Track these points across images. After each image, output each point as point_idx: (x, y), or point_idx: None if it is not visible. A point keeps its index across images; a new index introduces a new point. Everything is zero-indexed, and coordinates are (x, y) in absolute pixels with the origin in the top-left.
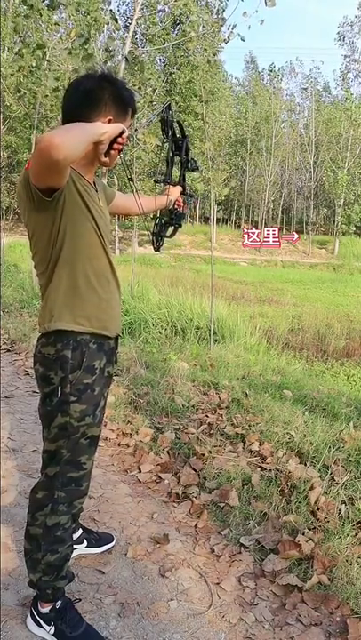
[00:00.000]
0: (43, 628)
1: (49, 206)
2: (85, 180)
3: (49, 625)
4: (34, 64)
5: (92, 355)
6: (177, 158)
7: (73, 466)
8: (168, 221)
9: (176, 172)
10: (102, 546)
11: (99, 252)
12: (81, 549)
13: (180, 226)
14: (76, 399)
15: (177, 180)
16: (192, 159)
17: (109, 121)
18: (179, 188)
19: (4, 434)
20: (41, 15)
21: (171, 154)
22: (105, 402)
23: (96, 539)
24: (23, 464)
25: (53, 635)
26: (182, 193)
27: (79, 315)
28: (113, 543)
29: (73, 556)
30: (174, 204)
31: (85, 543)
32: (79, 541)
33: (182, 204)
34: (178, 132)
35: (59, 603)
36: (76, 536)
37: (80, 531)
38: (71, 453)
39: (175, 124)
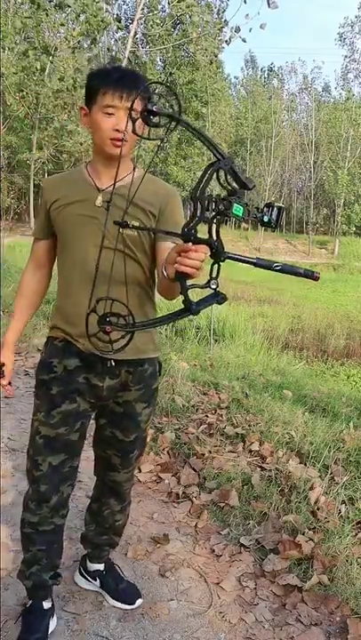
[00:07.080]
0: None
1: None
2: (86, 187)
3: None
4: (38, 66)
5: (52, 351)
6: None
7: (33, 463)
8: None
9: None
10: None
11: (69, 267)
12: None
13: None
14: (35, 391)
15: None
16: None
17: (80, 109)
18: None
19: (3, 434)
20: (47, 15)
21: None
22: (78, 410)
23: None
24: (23, 464)
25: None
26: (217, 258)
27: (53, 324)
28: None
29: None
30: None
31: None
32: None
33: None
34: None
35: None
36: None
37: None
38: (32, 449)
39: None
